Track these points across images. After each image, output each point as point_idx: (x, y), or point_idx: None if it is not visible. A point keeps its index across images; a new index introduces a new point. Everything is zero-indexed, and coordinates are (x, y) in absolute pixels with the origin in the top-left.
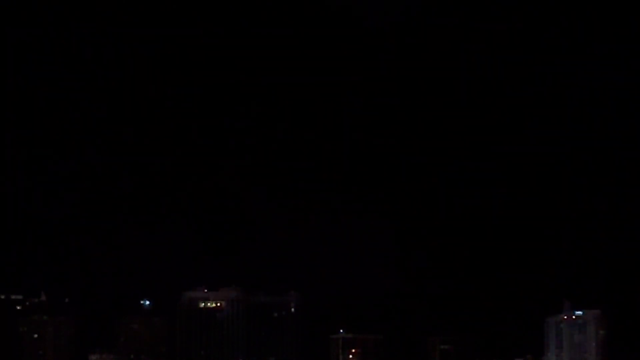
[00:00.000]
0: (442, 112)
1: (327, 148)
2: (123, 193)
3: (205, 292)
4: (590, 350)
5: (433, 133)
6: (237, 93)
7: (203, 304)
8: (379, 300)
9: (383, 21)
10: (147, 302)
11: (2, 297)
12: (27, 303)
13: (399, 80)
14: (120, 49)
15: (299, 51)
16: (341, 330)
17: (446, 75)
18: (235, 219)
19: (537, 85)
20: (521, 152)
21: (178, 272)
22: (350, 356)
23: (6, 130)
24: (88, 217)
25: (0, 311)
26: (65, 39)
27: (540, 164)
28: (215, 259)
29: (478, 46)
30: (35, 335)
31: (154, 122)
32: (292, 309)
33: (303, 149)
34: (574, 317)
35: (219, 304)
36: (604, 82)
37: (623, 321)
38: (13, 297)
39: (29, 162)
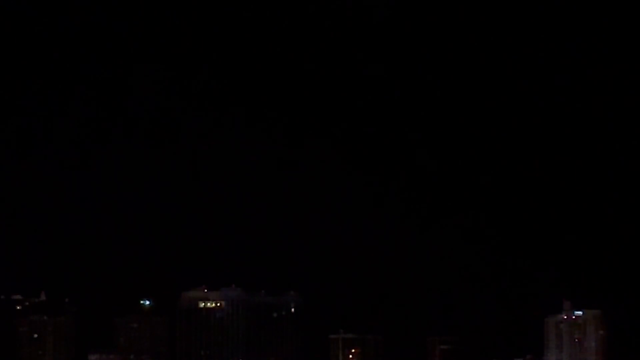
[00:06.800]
0: (447, 109)
1: (327, 148)
2: (123, 192)
3: (205, 292)
4: (590, 350)
5: (435, 131)
6: (235, 92)
7: (203, 304)
8: (379, 300)
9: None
10: (147, 302)
11: (2, 297)
12: (27, 303)
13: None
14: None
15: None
16: (341, 330)
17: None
18: (236, 219)
19: (537, 84)
20: (521, 152)
21: (178, 272)
22: (350, 356)
23: (6, 130)
24: (88, 217)
25: (0, 311)
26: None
27: (540, 164)
28: (215, 259)
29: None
30: (35, 335)
31: (153, 122)
32: (292, 309)
33: (302, 148)
34: (574, 317)
35: (219, 304)
36: (604, 81)
37: (623, 321)
38: (13, 297)
39: (29, 162)
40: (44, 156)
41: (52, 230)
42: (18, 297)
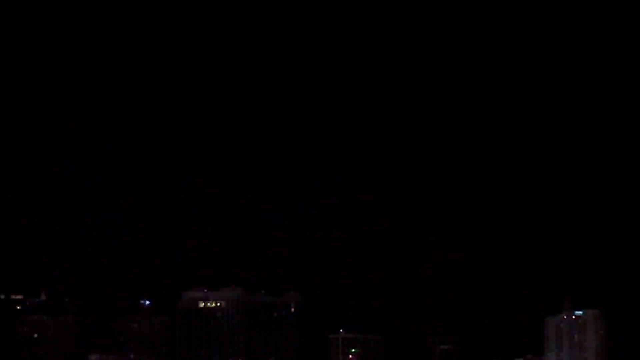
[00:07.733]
0: (446, 110)
1: (328, 148)
2: (123, 192)
3: (205, 292)
4: (590, 350)
5: (434, 132)
6: (235, 91)
7: (203, 304)
8: (379, 300)
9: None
10: (147, 302)
11: (2, 297)
12: (27, 303)
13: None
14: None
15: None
16: (341, 330)
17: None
18: (236, 219)
19: (539, 84)
20: (521, 152)
21: (178, 272)
22: (350, 356)
23: (6, 129)
24: (88, 217)
25: (0, 311)
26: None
27: (540, 164)
28: (215, 259)
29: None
30: (35, 335)
31: (153, 121)
32: (292, 309)
33: (303, 149)
34: (574, 317)
35: (219, 304)
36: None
37: (623, 321)
38: (13, 297)
39: (29, 162)
40: (45, 156)
41: (53, 230)
42: (18, 297)
